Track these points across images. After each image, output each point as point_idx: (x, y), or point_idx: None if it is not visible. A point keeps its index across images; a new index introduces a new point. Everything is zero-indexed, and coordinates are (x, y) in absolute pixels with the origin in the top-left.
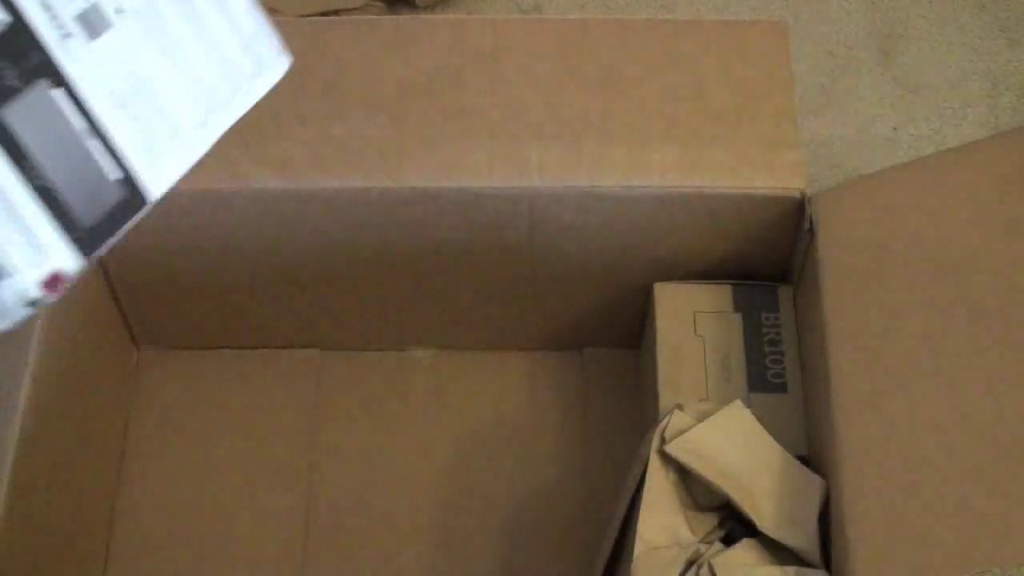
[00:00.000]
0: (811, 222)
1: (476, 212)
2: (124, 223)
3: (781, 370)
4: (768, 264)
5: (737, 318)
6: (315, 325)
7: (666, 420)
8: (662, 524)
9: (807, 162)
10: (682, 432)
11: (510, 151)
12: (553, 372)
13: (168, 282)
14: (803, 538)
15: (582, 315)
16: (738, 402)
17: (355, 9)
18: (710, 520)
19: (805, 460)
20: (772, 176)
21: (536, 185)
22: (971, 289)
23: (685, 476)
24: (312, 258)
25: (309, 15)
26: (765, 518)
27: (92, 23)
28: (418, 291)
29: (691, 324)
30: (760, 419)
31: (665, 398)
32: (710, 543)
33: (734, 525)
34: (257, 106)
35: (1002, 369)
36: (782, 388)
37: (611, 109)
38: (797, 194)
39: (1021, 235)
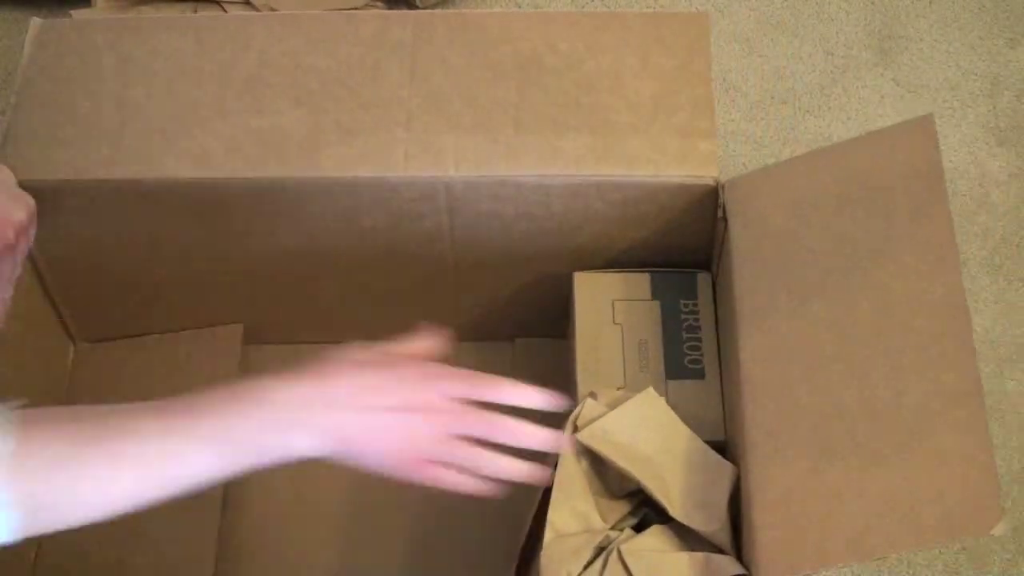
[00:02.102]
0: (724, 210)
1: (394, 201)
2: None
3: (699, 356)
4: (688, 252)
5: (655, 305)
6: (245, 317)
7: (578, 408)
8: (573, 512)
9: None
10: (594, 420)
11: (427, 141)
12: (484, 362)
13: (99, 276)
14: (713, 523)
15: (510, 305)
16: (650, 389)
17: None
18: (622, 507)
19: (723, 446)
20: (687, 165)
21: (452, 174)
22: (876, 276)
23: (598, 464)
24: (236, 249)
25: None
26: (676, 504)
27: None
28: (343, 282)
29: (610, 312)
30: (676, 406)
31: (583, 386)
32: (621, 530)
33: (647, 512)
34: (178, 99)
35: (904, 355)
36: (699, 374)
37: (528, 100)
38: (711, 182)
39: (926, 222)
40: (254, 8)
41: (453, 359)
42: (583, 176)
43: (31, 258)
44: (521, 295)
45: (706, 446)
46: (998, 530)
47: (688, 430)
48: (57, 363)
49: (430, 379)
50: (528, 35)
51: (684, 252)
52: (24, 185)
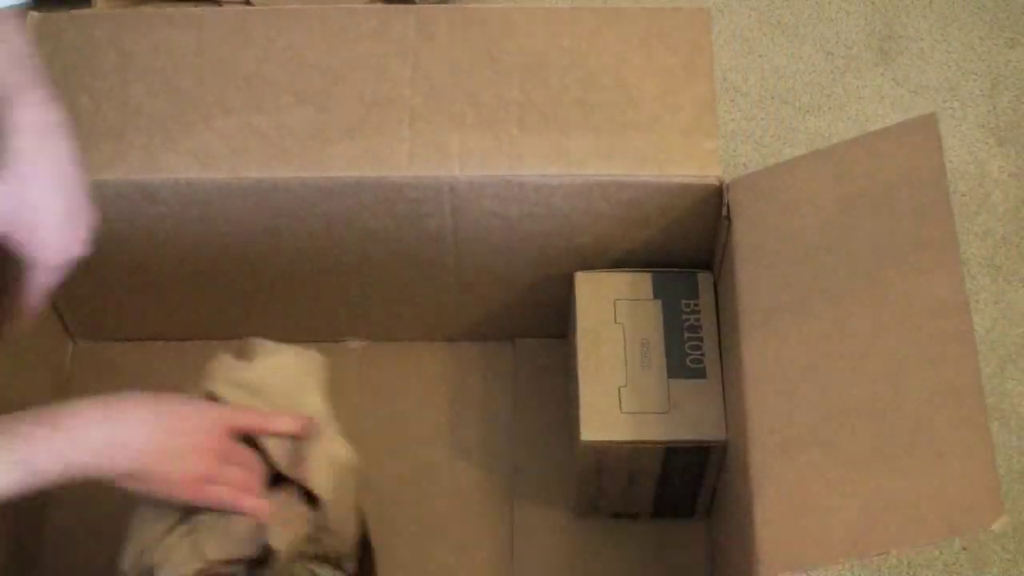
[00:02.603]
0: (728, 209)
1: (398, 201)
2: None
3: (700, 356)
4: (690, 251)
5: (657, 305)
6: (247, 315)
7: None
8: None
9: None
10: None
11: (431, 140)
12: (484, 362)
13: (100, 274)
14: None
15: (511, 305)
16: (299, 350)
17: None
18: None
19: (724, 445)
20: (690, 164)
21: (456, 174)
22: (878, 275)
23: None
24: (238, 248)
25: None
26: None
27: None
28: (346, 281)
29: (611, 311)
30: (678, 405)
31: (585, 386)
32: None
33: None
34: (180, 96)
35: (905, 353)
36: (701, 374)
37: (532, 98)
38: (715, 182)
39: (928, 221)
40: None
41: (454, 360)
42: (587, 176)
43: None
44: (523, 295)
45: (330, 414)
46: (999, 526)
47: (320, 397)
48: (56, 360)
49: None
50: (531, 31)
51: (687, 251)
52: None
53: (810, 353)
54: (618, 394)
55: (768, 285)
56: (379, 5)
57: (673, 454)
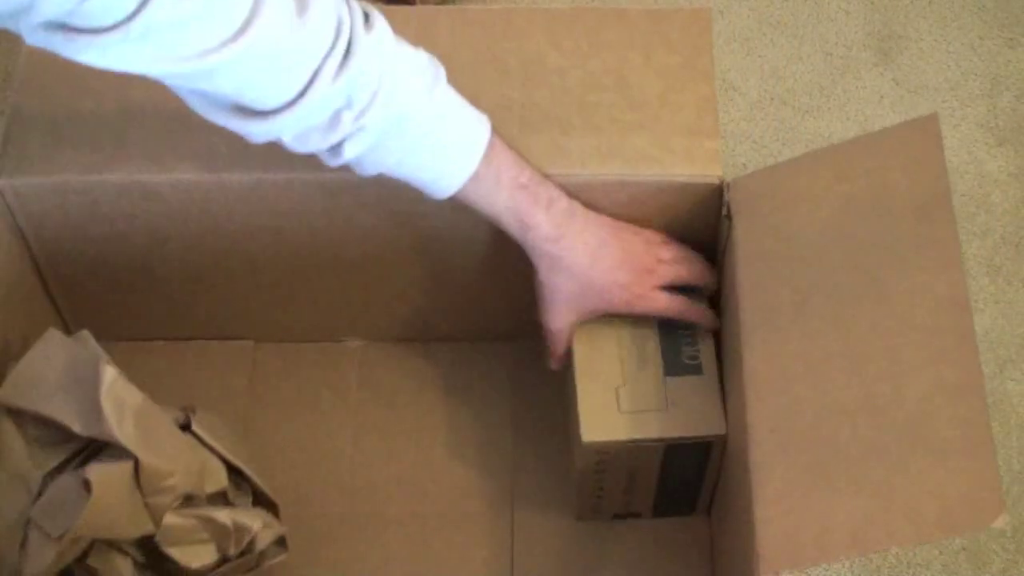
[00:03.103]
0: (728, 209)
1: (398, 200)
2: None
3: (696, 352)
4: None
5: None
6: (247, 316)
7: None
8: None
9: None
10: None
11: None
12: (484, 362)
13: (100, 274)
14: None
15: (511, 305)
16: (51, 329)
17: None
18: (59, 453)
19: (724, 439)
20: (691, 164)
21: None
22: (879, 274)
23: (20, 417)
24: (240, 249)
25: None
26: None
27: None
28: (347, 281)
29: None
30: (676, 402)
31: (582, 388)
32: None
33: (90, 453)
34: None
35: (904, 351)
36: (697, 370)
37: (532, 98)
38: (715, 181)
39: (929, 221)
40: None
41: (453, 359)
42: (588, 175)
43: (32, 256)
44: (523, 295)
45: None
46: (999, 523)
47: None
48: None
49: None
50: (531, 31)
51: None
52: (25, 185)
53: (810, 352)
54: (616, 394)
55: (768, 285)
56: (379, 5)
57: (673, 451)
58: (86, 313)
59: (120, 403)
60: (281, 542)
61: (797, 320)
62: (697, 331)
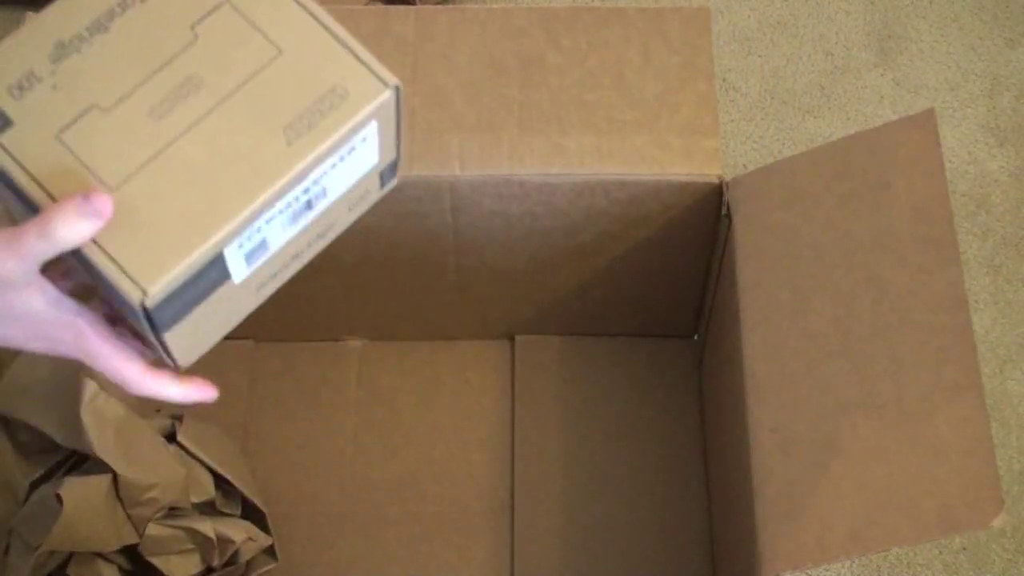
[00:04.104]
0: (727, 208)
1: (399, 200)
2: None
3: None
4: (691, 250)
5: None
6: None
7: None
8: None
9: None
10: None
11: (431, 140)
12: (484, 361)
13: None
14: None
15: (511, 303)
16: None
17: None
18: (46, 461)
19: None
20: (690, 163)
21: (456, 173)
22: (877, 271)
23: (9, 424)
24: None
25: None
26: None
27: None
28: (346, 281)
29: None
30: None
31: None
32: (49, 479)
33: (75, 463)
34: None
35: (904, 349)
36: None
37: (531, 97)
38: (715, 180)
39: (927, 217)
40: None
41: (454, 357)
42: (587, 174)
43: None
44: (523, 293)
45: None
46: (998, 522)
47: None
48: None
49: None
50: (530, 31)
51: (686, 250)
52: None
53: (810, 349)
54: None
55: (768, 283)
56: (379, 5)
57: None
58: None
59: (100, 417)
60: (270, 552)
61: (797, 318)
62: None
